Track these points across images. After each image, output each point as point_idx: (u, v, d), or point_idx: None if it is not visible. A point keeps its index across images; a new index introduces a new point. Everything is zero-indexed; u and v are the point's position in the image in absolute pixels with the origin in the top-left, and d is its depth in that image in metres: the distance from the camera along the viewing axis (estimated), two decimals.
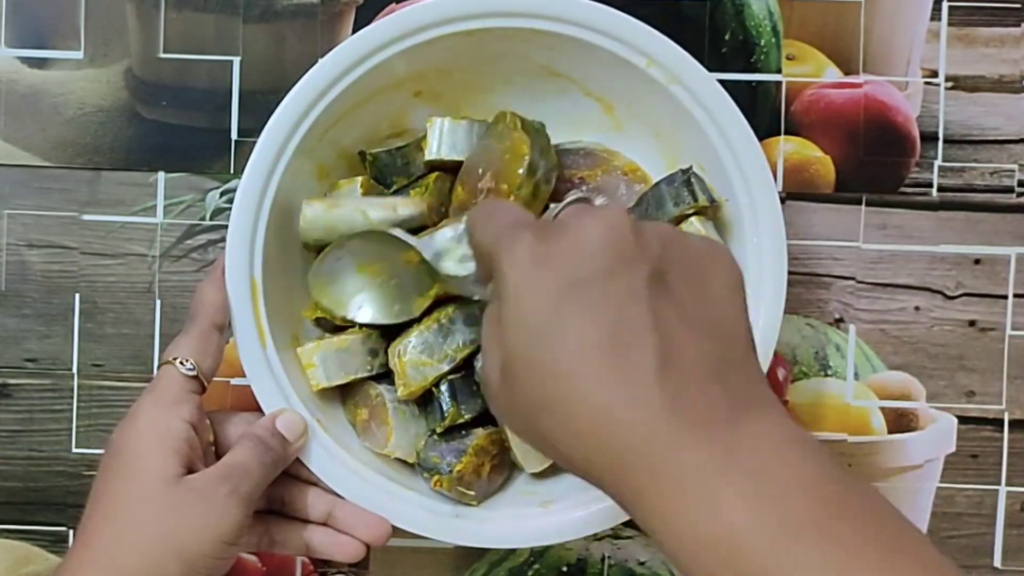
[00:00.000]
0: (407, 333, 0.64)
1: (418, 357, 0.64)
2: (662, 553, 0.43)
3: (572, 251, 0.45)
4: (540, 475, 0.66)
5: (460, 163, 0.66)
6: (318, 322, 0.67)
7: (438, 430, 0.64)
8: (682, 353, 0.43)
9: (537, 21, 0.63)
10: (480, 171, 0.64)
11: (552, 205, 0.51)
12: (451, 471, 0.64)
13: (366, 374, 0.65)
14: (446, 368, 0.64)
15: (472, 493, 0.64)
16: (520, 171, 0.63)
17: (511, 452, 0.65)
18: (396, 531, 0.64)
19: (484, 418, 0.65)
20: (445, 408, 0.64)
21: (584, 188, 0.66)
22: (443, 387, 0.64)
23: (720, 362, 0.44)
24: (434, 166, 0.67)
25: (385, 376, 0.66)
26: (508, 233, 0.47)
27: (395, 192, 0.67)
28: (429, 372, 0.63)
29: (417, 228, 0.64)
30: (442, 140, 0.66)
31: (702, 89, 0.63)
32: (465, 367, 0.65)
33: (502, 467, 0.66)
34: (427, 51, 0.64)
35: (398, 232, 0.61)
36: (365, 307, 0.64)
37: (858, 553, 0.40)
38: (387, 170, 0.67)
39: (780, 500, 0.41)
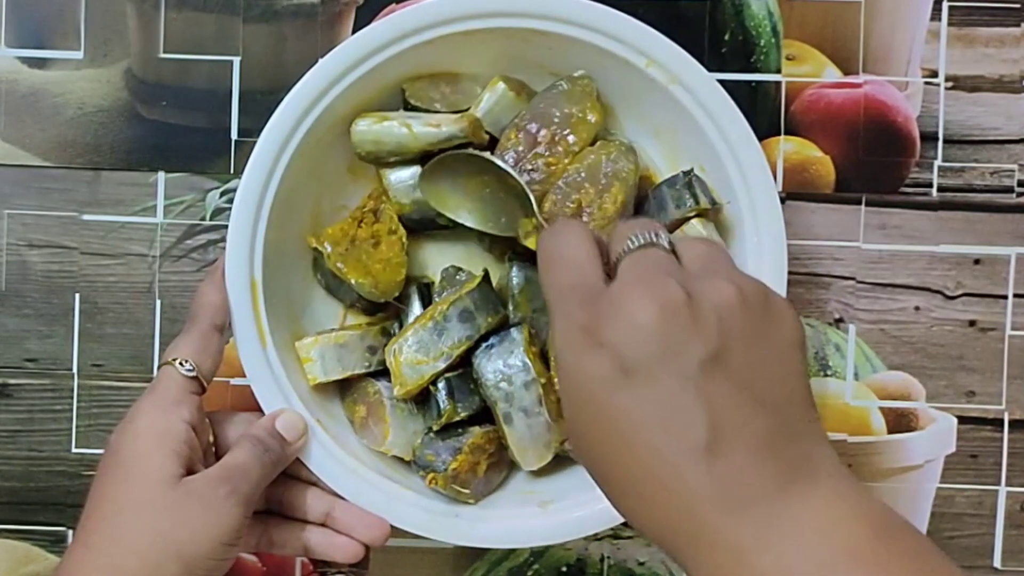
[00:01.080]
0: (403, 332, 0.64)
1: (414, 356, 0.64)
2: None
3: (622, 337, 0.45)
4: (539, 474, 0.66)
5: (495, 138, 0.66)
6: (316, 264, 0.67)
7: (434, 428, 0.64)
8: (732, 434, 0.44)
9: (537, 21, 0.63)
10: (537, 127, 0.65)
11: (621, 225, 0.51)
12: (446, 469, 0.64)
13: (363, 370, 0.66)
14: (442, 366, 0.64)
15: (468, 491, 0.64)
16: (575, 139, 0.63)
17: (509, 450, 0.65)
18: (396, 531, 0.64)
19: (481, 416, 0.65)
20: (442, 406, 0.64)
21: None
22: (440, 385, 0.64)
23: (774, 435, 0.44)
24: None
25: (384, 373, 0.66)
26: (562, 301, 0.48)
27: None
28: (425, 370, 0.64)
29: (461, 145, 0.64)
30: (493, 107, 0.65)
31: (702, 89, 0.63)
32: (462, 364, 0.65)
33: (500, 465, 0.66)
34: (427, 52, 0.64)
35: (494, 158, 0.62)
36: (473, 214, 0.64)
37: None
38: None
39: (806, 569, 0.42)
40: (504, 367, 0.63)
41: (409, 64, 0.65)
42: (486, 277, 0.65)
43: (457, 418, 0.64)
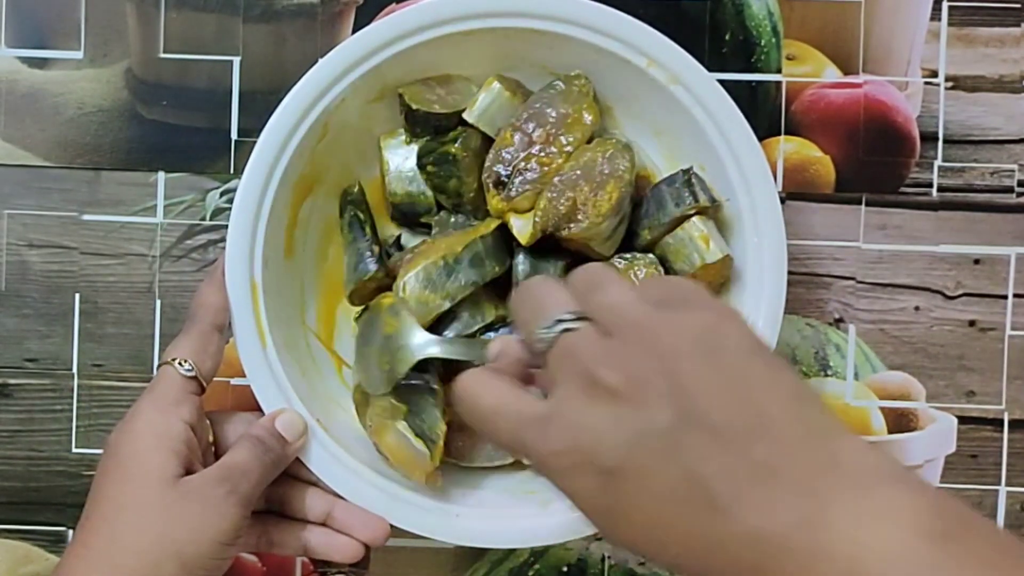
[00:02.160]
0: (413, 265, 0.64)
1: (421, 292, 0.64)
2: None
3: (590, 445, 0.44)
4: (537, 476, 0.66)
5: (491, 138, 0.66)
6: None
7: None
8: (739, 479, 0.42)
9: (537, 21, 0.63)
10: (532, 126, 0.65)
11: (516, 302, 0.51)
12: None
13: None
14: (447, 306, 0.64)
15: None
16: (570, 139, 0.63)
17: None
18: (396, 531, 0.64)
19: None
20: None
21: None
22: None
23: (772, 461, 0.42)
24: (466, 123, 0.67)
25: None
26: (519, 445, 0.48)
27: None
28: (432, 308, 0.64)
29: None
30: (489, 107, 0.66)
31: (702, 89, 0.63)
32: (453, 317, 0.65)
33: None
34: (427, 52, 0.64)
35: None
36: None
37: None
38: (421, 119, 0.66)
39: None
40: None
41: (410, 64, 0.65)
42: (502, 225, 0.65)
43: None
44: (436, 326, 0.64)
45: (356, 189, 0.67)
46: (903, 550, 0.40)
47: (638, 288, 0.48)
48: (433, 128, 0.66)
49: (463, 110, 0.66)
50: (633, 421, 0.44)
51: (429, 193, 0.67)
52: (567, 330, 0.47)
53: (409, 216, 0.68)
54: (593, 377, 0.45)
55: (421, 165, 0.66)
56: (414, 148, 0.67)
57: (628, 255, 0.66)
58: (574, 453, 0.45)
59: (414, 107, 0.65)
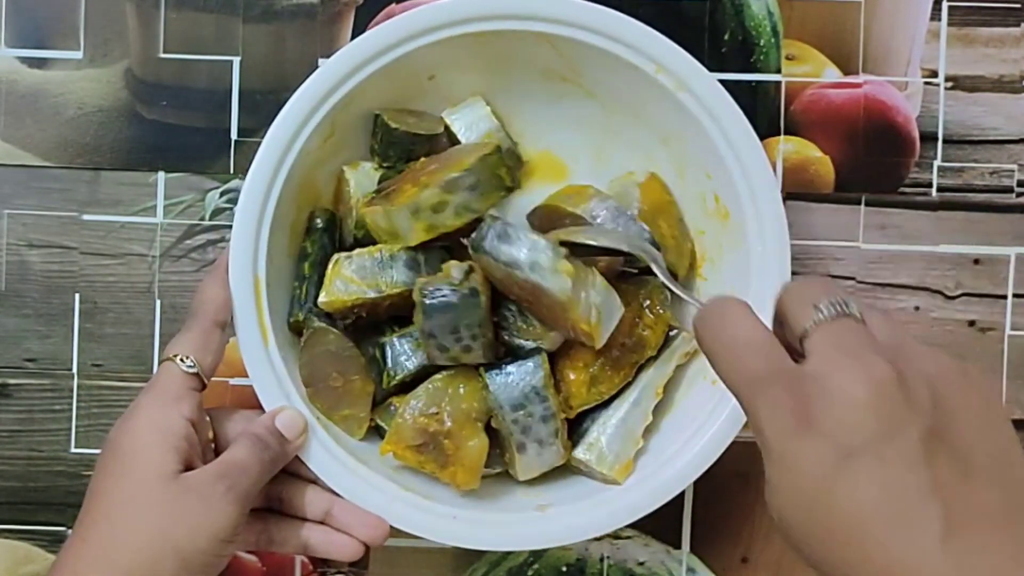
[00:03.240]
0: (352, 253, 0.64)
1: (351, 274, 0.64)
2: None
3: (839, 420, 0.43)
4: (537, 479, 0.66)
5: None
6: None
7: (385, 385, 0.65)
8: (965, 514, 0.42)
9: (546, 24, 0.63)
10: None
11: (794, 289, 0.48)
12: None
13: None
14: (371, 295, 0.63)
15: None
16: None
17: (511, 467, 0.65)
18: (395, 530, 0.64)
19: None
20: (389, 365, 0.65)
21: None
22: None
23: (1006, 509, 0.42)
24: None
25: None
26: (758, 388, 0.45)
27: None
28: (353, 290, 0.63)
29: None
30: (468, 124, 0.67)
31: (710, 97, 0.63)
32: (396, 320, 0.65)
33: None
34: (435, 52, 0.64)
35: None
36: None
37: None
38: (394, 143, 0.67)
39: None
40: (522, 398, 0.63)
41: (416, 65, 0.64)
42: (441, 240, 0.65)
43: (394, 382, 0.65)
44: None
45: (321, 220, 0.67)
46: None
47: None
48: (407, 153, 0.66)
49: (439, 133, 0.67)
50: (891, 413, 0.42)
51: None
52: (847, 316, 0.46)
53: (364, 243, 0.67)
54: (865, 357, 0.44)
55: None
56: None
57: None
58: (821, 417, 0.43)
59: (393, 126, 0.66)
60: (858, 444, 0.42)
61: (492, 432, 0.65)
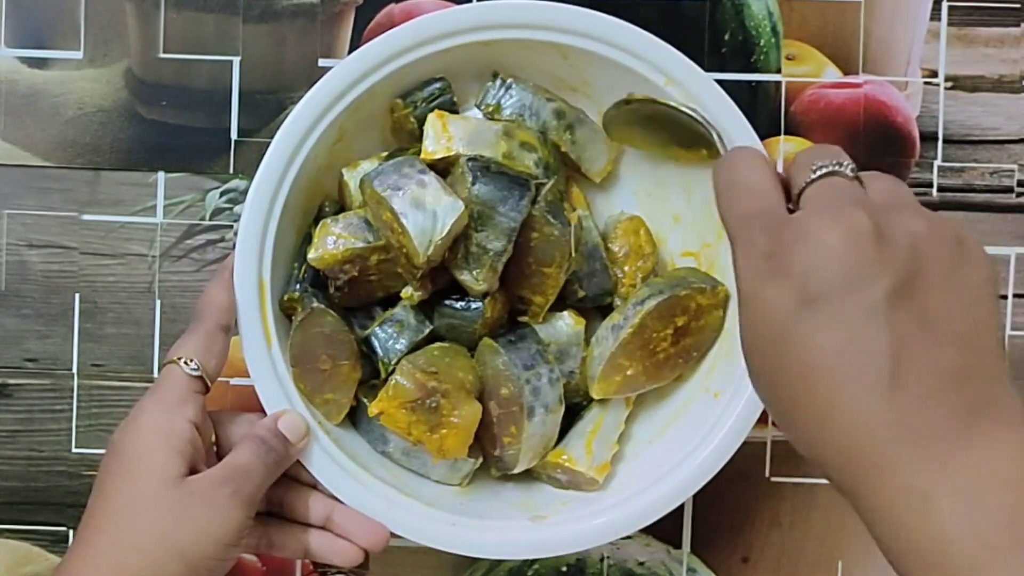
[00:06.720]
0: (343, 215, 0.64)
1: (339, 231, 0.63)
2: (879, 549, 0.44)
3: (807, 265, 0.44)
4: (528, 484, 0.66)
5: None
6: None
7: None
8: (916, 367, 0.42)
9: (556, 34, 0.63)
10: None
11: (801, 154, 0.49)
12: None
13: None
14: (359, 246, 0.63)
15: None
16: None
17: (511, 449, 0.65)
18: (395, 534, 0.64)
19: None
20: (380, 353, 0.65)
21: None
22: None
23: (960, 371, 0.43)
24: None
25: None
26: (743, 228, 0.47)
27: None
28: (341, 244, 0.63)
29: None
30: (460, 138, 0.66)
31: (718, 110, 0.63)
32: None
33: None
34: (444, 60, 0.64)
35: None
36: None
37: None
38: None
39: (993, 516, 0.41)
40: (531, 359, 0.63)
41: (426, 70, 0.64)
42: None
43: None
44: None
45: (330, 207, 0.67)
46: None
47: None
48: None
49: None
50: (861, 263, 0.43)
51: None
52: (838, 174, 0.47)
53: None
54: (845, 209, 0.44)
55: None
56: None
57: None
58: (792, 261, 0.44)
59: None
60: (822, 291, 0.43)
61: (482, 427, 0.65)
